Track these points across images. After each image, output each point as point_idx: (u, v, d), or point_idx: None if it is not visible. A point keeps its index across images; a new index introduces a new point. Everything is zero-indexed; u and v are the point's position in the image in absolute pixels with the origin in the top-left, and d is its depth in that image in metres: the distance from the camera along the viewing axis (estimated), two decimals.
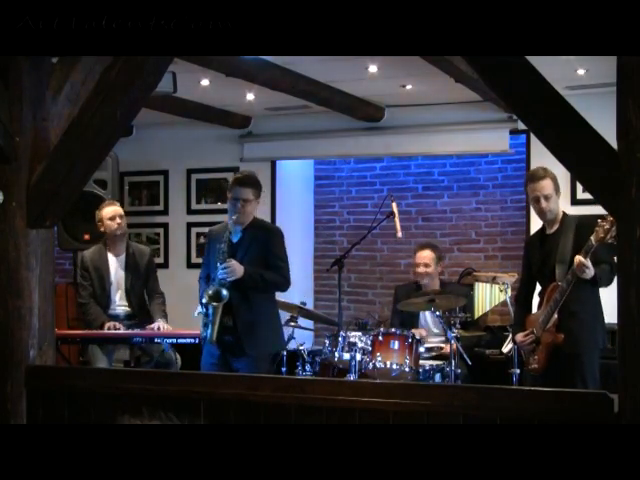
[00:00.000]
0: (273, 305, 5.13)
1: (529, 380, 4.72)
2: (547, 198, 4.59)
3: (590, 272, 4.31)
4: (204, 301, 4.75)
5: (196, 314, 4.91)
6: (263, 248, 4.88)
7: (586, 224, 4.46)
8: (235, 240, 4.91)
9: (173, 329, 5.74)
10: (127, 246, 5.93)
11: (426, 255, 6.14)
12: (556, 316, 4.52)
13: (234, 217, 4.82)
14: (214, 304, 4.70)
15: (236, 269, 4.73)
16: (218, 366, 4.80)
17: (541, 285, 4.78)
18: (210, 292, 4.72)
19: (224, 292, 4.70)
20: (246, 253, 4.85)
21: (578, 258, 4.29)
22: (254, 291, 4.85)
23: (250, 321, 4.84)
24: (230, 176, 7.90)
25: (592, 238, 4.18)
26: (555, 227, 4.68)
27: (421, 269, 6.11)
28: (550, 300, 4.54)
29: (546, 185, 4.58)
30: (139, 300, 5.89)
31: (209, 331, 4.72)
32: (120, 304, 5.86)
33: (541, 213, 4.67)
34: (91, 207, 6.41)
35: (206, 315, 4.75)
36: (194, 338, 5.44)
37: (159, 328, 5.64)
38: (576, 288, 4.41)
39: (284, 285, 4.97)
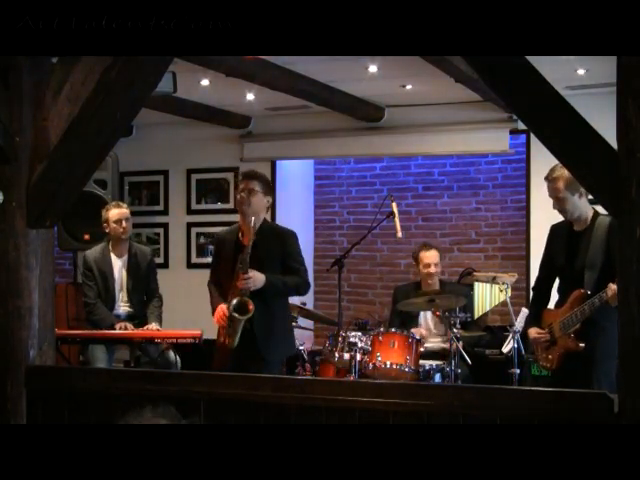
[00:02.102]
0: (288, 309, 5.09)
1: (529, 380, 4.69)
2: (558, 200, 4.45)
3: None
4: (232, 313, 4.57)
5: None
6: (280, 252, 4.80)
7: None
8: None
9: (173, 329, 5.74)
10: (129, 247, 5.93)
11: (434, 255, 6.18)
12: (579, 325, 4.41)
13: (242, 209, 4.76)
14: (239, 317, 4.55)
15: (257, 279, 4.61)
16: (232, 367, 4.72)
17: (562, 281, 4.64)
18: (235, 303, 4.56)
19: (250, 306, 4.54)
20: (264, 258, 4.74)
21: (613, 289, 4.09)
22: (275, 297, 4.78)
23: (268, 325, 4.75)
24: (230, 176, 7.93)
25: None
26: (584, 225, 4.49)
27: (432, 269, 6.13)
28: (574, 306, 4.40)
29: (557, 187, 4.42)
30: (140, 301, 5.89)
31: (231, 339, 4.64)
32: (122, 304, 5.87)
33: (559, 212, 4.57)
34: (91, 207, 6.42)
35: (229, 326, 4.61)
36: (194, 338, 5.44)
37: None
38: (603, 304, 4.26)
39: (305, 288, 4.88)
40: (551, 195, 4.51)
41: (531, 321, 4.77)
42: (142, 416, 1.94)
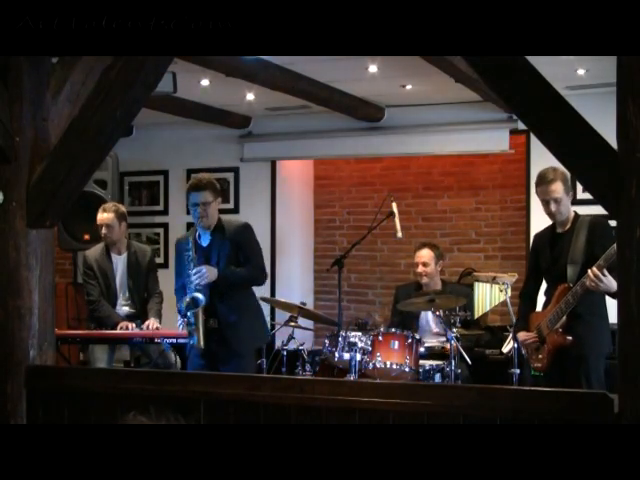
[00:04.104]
0: (254, 299, 5.14)
1: (529, 380, 4.71)
2: (557, 201, 4.49)
3: (605, 285, 4.13)
4: (182, 310, 4.76)
5: (180, 328, 4.94)
6: (235, 245, 4.89)
7: (599, 225, 4.42)
8: (205, 244, 4.93)
9: (173, 329, 5.73)
10: (129, 246, 5.93)
11: (425, 254, 6.10)
12: (565, 318, 4.47)
13: (200, 223, 4.86)
14: (193, 310, 4.72)
15: (207, 273, 4.75)
16: (207, 367, 4.81)
17: (548, 284, 4.71)
18: (187, 299, 4.74)
19: (200, 297, 4.72)
20: (220, 255, 4.86)
21: (592, 271, 4.16)
22: (233, 290, 4.86)
23: (233, 320, 4.87)
24: (230, 176, 7.93)
25: (615, 246, 4.05)
26: (566, 227, 4.59)
27: (420, 268, 6.08)
28: (560, 301, 4.45)
29: (555, 188, 4.47)
30: (141, 299, 5.89)
31: (195, 338, 4.74)
32: (123, 303, 5.86)
33: (551, 215, 4.59)
34: (91, 207, 6.41)
35: (189, 324, 4.76)
36: None
37: (148, 326, 5.64)
38: (585, 291, 4.33)
39: (260, 278, 4.99)
40: (547, 197, 4.52)
41: (519, 324, 4.82)
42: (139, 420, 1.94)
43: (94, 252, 5.88)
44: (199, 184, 4.88)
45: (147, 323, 5.67)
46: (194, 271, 4.74)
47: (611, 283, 4.11)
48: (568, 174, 4.49)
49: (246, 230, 5.01)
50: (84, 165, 3.58)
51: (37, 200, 3.55)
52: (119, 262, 5.86)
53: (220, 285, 4.80)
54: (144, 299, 5.90)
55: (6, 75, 3.52)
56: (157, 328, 5.67)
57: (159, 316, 5.82)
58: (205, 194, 4.83)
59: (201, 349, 4.77)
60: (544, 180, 4.52)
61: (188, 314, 4.73)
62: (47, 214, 3.59)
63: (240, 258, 4.90)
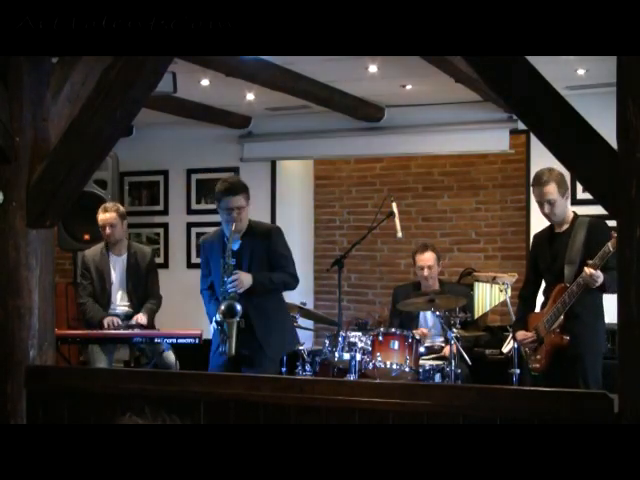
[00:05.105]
0: (283, 303, 5.08)
1: (529, 380, 4.72)
2: (551, 203, 4.52)
3: (599, 281, 4.28)
4: (218, 319, 4.58)
5: (212, 334, 4.81)
6: (266, 250, 4.78)
7: (598, 226, 4.45)
8: (235, 248, 4.75)
9: (172, 329, 5.74)
10: (129, 246, 5.93)
11: (429, 257, 6.11)
12: (562, 318, 4.49)
13: (233, 227, 4.63)
14: (229, 320, 4.54)
15: (244, 280, 4.62)
16: (228, 367, 4.72)
17: (547, 283, 4.73)
18: (223, 308, 4.55)
19: (237, 307, 4.54)
20: (251, 259, 4.75)
21: (588, 270, 4.25)
22: (265, 294, 4.78)
23: (266, 323, 4.77)
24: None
25: (609, 244, 4.11)
26: (565, 227, 4.62)
27: (426, 272, 6.08)
28: (557, 301, 4.49)
29: (549, 190, 4.50)
30: (140, 300, 5.89)
31: (227, 346, 4.59)
32: (121, 304, 5.87)
33: (546, 216, 4.63)
34: (91, 207, 6.41)
35: (222, 332, 4.59)
36: (194, 338, 5.44)
37: (136, 320, 5.65)
38: (581, 291, 4.38)
39: (293, 283, 4.87)
40: (542, 199, 4.56)
41: (517, 325, 4.84)
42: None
43: (93, 252, 5.89)
44: (232, 188, 4.69)
45: (135, 317, 5.69)
46: (230, 279, 4.59)
47: (599, 279, 4.28)
48: (564, 175, 4.52)
49: (277, 234, 4.90)
50: (84, 165, 3.58)
51: (37, 200, 3.55)
52: (118, 263, 5.87)
53: (254, 291, 4.68)
54: (144, 300, 5.90)
55: (6, 75, 3.52)
56: (146, 325, 5.67)
57: (149, 313, 5.80)
58: (239, 198, 4.66)
59: (232, 355, 4.65)
60: (538, 182, 4.56)
61: (223, 323, 4.55)
62: (47, 214, 3.59)
63: (274, 261, 4.79)
